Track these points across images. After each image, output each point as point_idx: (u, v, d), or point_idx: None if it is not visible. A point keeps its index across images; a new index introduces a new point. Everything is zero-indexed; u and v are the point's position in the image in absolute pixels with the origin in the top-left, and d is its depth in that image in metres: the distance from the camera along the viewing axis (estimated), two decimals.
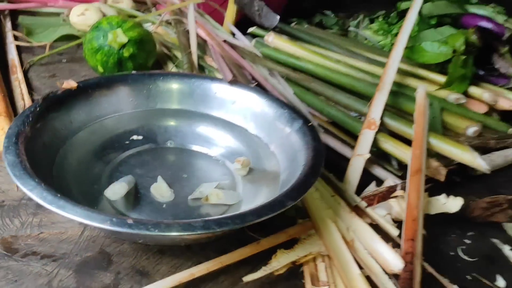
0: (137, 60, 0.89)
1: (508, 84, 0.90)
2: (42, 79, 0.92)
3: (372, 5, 1.24)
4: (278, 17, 1.07)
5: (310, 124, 0.67)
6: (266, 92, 0.76)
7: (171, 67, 0.96)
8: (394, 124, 0.77)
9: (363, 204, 0.65)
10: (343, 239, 0.60)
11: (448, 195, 0.67)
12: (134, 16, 1.14)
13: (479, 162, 0.69)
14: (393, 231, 0.61)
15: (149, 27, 1.07)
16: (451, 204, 0.65)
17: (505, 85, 0.90)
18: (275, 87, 0.87)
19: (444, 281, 0.57)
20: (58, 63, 0.99)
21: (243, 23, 1.08)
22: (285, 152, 0.67)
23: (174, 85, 0.75)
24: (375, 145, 0.75)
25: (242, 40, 0.98)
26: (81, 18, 1.06)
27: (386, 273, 0.56)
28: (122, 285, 0.55)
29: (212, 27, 1.02)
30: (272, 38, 0.97)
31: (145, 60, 0.91)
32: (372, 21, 1.13)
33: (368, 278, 0.57)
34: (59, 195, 0.50)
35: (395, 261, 0.56)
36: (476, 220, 0.67)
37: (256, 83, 0.87)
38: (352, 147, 0.76)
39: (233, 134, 0.73)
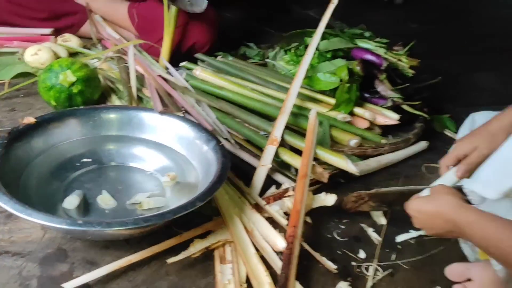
0: (85, 94, 1.07)
1: (386, 104, 1.12)
2: (3, 113, 1.09)
3: (290, 37, 1.45)
4: (206, 1, 1.23)
5: (221, 144, 0.87)
6: (191, 118, 0.95)
7: (114, 99, 1.14)
8: (292, 140, 0.98)
9: (262, 202, 0.86)
10: (245, 229, 0.80)
11: (333, 193, 0.88)
12: (82, 52, 1.32)
13: (350, 167, 0.91)
14: (283, 221, 0.82)
15: (95, 62, 1.25)
16: (328, 199, 0.87)
17: (383, 104, 1.12)
18: (200, 113, 1.07)
19: (316, 254, 0.79)
20: (16, 97, 1.15)
21: (178, 57, 1.27)
22: (203, 166, 0.86)
23: (114, 116, 0.93)
24: (277, 156, 0.96)
25: (174, 74, 1.18)
26: (34, 57, 1.23)
27: (274, 251, 0.77)
28: (76, 271, 0.73)
29: (149, 63, 1.21)
30: (199, 72, 1.17)
31: (92, 94, 1.09)
32: (286, 52, 1.35)
33: (262, 257, 0.77)
34: (27, 206, 0.67)
35: (280, 242, 0.76)
36: (349, 210, 0.88)
37: (184, 110, 1.07)
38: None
39: (163, 153, 0.92)
